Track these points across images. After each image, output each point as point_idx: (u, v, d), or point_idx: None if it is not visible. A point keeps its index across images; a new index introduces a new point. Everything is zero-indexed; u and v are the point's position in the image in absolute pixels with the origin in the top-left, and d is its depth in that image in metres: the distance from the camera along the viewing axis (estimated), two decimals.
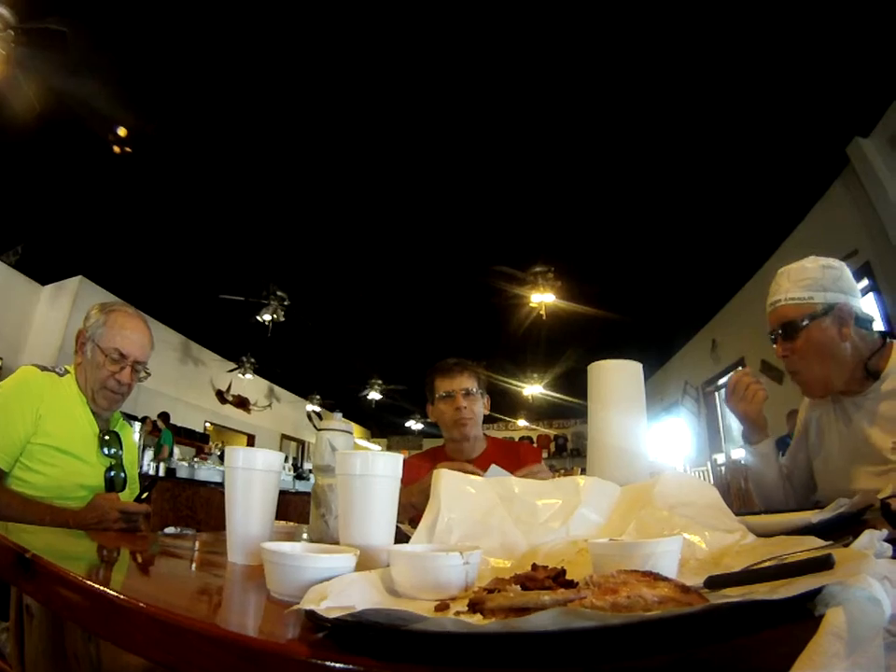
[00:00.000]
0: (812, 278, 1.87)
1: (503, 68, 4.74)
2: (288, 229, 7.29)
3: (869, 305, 5.77)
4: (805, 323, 1.86)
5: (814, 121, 5.12)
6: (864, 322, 1.89)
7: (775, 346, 2.00)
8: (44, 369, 2.19)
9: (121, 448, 2.30)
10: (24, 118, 4.75)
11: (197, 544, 1.76)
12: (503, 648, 0.52)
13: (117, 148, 5.42)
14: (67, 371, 2.24)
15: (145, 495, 2.19)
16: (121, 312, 2.28)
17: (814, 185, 6.26)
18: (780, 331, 1.93)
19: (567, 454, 17.33)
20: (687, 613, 0.52)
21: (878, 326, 1.94)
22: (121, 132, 5.25)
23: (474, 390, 2.69)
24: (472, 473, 2.18)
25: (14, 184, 6.19)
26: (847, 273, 1.92)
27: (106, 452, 2.21)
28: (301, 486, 11.61)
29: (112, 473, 2.21)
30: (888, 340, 1.91)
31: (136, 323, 2.29)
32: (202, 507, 3.00)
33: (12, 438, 1.98)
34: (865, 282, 5.80)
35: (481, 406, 2.73)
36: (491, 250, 7.34)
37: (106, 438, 2.23)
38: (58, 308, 8.70)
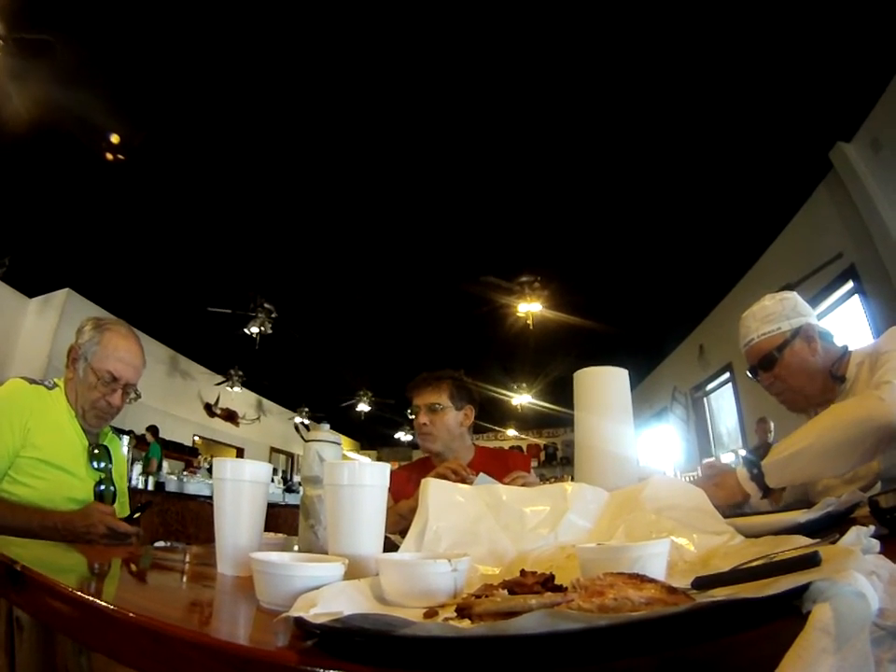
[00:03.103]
0: (775, 312, 2.10)
1: (488, 78, 4.75)
2: (276, 240, 7.26)
3: (855, 308, 5.82)
4: (780, 351, 2.06)
5: (797, 127, 5.16)
6: (827, 336, 2.10)
7: (757, 381, 2.19)
8: (32, 381, 2.18)
9: (111, 461, 2.29)
10: (11, 128, 4.73)
11: (187, 556, 1.76)
12: (490, 651, 0.52)
13: (110, 156, 5.39)
14: (56, 385, 2.23)
15: (137, 515, 2.17)
16: (116, 332, 2.26)
17: (798, 190, 6.29)
18: (759, 365, 2.12)
19: (556, 462, 17.27)
20: (673, 613, 0.52)
21: (839, 340, 2.14)
22: (113, 139, 5.23)
23: (441, 405, 2.67)
24: (465, 474, 2.20)
25: (0, 195, 6.16)
26: (800, 299, 2.16)
27: (96, 465, 2.19)
28: (290, 499, 11.48)
29: (102, 487, 2.19)
30: (848, 349, 2.07)
31: (130, 345, 2.27)
32: (191, 521, 3.00)
33: (0, 451, 1.97)
34: (850, 285, 5.84)
35: (452, 420, 2.69)
36: (477, 260, 7.34)
37: (96, 451, 2.21)
38: (45, 321, 8.60)
